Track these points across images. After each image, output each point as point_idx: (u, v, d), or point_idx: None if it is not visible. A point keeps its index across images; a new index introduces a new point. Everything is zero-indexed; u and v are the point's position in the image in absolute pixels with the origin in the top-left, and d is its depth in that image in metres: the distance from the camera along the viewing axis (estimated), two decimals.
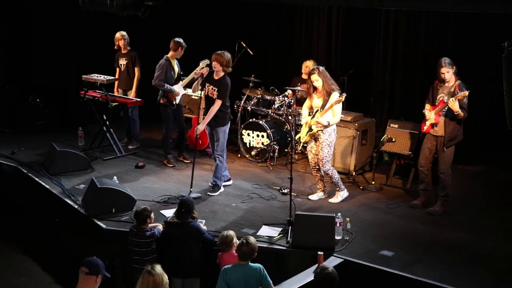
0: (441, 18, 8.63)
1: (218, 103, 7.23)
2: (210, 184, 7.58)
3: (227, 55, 7.28)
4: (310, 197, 7.35)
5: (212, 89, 7.33)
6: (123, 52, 9.21)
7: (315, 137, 7.05)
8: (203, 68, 7.64)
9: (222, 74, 7.28)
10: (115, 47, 9.25)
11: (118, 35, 9.15)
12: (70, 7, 8.70)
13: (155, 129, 9.81)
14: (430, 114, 6.87)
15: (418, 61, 8.98)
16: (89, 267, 4.07)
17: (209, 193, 7.45)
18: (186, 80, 8.45)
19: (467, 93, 6.56)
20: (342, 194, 7.23)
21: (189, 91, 8.70)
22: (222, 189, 7.58)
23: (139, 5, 7.90)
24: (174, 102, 8.32)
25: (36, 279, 7.09)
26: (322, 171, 7.21)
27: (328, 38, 9.98)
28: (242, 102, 9.14)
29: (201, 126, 7.40)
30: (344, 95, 6.85)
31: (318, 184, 7.36)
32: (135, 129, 9.33)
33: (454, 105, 6.58)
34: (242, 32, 9.84)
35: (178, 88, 8.38)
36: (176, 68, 8.45)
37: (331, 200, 7.22)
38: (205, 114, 7.41)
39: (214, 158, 7.52)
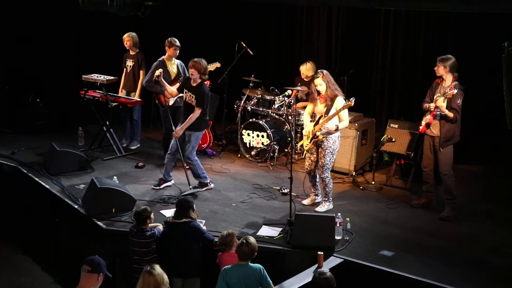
0: (441, 18, 8.64)
1: (197, 111, 7.22)
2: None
3: (204, 62, 7.27)
4: (304, 202, 7.20)
5: (190, 95, 7.33)
6: (131, 53, 9.16)
7: (318, 144, 6.85)
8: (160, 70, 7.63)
9: (199, 81, 7.28)
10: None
11: (125, 35, 9.06)
12: (70, 7, 8.71)
13: (155, 129, 9.81)
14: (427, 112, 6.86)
15: (418, 61, 8.98)
16: (91, 265, 4.08)
17: (197, 190, 7.44)
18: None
19: (454, 91, 6.51)
20: (327, 205, 6.97)
21: None
22: (211, 185, 7.57)
23: (139, 5, 7.92)
24: (166, 103, 8.23)
25: (36, 279, 7.10)
26: (317, 178, 7.05)
27: (328, 38, 9.98)
28: (242, 102, 9.13)
29: (180, 131, 7.33)
30: (353, 99, 6.56)
31: (311, 188, 7.21)
32: (137, 130, 9.32)
33: (442, 105, 6.59)
34: (242, 32, 9.84)
35: (173, 89, 8.29)
36: (173, 69, 8.39)
37: (317, 209, 6.96)
38: (184, 118, 7.38)
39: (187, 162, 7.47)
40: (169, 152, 7.55)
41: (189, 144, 7.36)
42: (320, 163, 6.84)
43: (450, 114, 6.63)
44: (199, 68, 7.20)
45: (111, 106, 8.73)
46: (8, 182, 8.34)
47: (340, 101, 6.66)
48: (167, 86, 7.69)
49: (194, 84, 7.31)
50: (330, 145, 6.76)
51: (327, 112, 6.68)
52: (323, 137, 6.73)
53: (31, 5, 9.89)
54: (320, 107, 6.79)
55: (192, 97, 7.30)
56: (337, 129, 6.68)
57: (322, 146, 6.78)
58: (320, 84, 6.68)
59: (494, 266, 5.76)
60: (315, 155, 6.92)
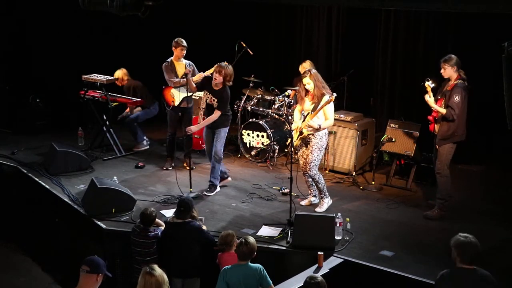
0: (441, 18, 8.63)
1: (217, 114, 7.26)
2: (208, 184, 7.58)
3: (230, 69, 7.29)
4: (302, 202, 7.20)
5: (212, 99, 7.35)
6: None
7: (306, 141, 6.92)
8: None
9: (221, 86, 7.29)
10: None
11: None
12: (70, 7, 8.69)
13: (155, 129, 9.81)
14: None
15: (418, 61, 8.97)
16: (90, 266, 4.08)
17: (206, 193, 7.45)
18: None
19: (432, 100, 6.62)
20: (327, 202, 7.00)
21: (200, 94, 8.66)
22: (218, 188, 7.58)
23: (139, 5, 7.89)
24: (172, 104, 8.22)
25: (36, 279, 7.10)
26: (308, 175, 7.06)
27: (328, 38, 9.98)
28: (242, 102, 9.14)
29: (195, 128, 7.47)
30: (335, 95, 6.70)
31: (309, 190, 7.21)
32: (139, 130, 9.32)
33: (429, 100, 6.63)
34: (242, 32, 9.84)
35: (175, 90, 8.27)
36: (180, 70, 8.31)
37: (317, 209, 6.95)
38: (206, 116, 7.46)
39: (211, 158, 7.48)
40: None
41: (219, 141, 7.39)
42: (307, 160, 6.88)
43: (442, 111, 6.62)
44: (225, 74, 7.21)
45: (111, 106, 8.74)
46: (8, 182, 8.34)
47: (325, 98, 6.73)
48: (192, 84, 7.59)
49: (217, 88, 7.31)
50: (317, 141, 6.82)
51: (313, 109, 6.76)
52: (309, 134, 6.81)
53: (31, 5, 9.89)
54: (308, 105, 6.87)
55: (214, 100, 7.32)
56: (319, 129, 6.73)
57: (310, 142, 6.85)
58: (308, 83, 6.78)
59: (494, 266, 5.74)
60: (306, 153, 6.96)
